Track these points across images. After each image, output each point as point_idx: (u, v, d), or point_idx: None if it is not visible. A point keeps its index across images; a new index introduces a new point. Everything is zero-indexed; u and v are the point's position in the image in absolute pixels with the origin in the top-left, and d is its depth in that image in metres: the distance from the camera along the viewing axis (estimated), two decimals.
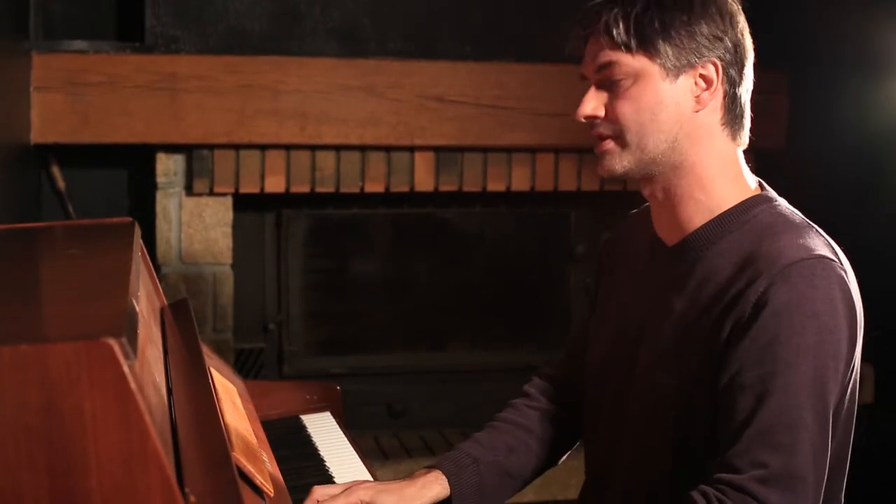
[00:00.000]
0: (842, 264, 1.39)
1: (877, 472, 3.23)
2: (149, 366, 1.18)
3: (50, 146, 3.17)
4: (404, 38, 3.39)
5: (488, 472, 1.63)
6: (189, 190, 3.25)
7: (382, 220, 3.65)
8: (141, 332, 1.14)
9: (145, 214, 3.25)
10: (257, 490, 1.35)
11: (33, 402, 0.91)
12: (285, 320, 3.53)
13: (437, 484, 1.58)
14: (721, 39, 1.42)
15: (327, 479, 1.67)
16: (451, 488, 1.59)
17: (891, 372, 3.33)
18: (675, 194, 1.47)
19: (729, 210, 1.45)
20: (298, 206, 3.49)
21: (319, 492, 1.51)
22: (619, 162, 1.45)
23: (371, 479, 1.64)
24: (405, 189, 3.40)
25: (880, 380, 3.38)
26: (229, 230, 3.30)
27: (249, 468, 1.33)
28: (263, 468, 1.42)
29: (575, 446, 1.76)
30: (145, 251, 1.67)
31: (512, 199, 3.61)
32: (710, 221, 1.46)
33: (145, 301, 1.41)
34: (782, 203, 1.48)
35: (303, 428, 1.90)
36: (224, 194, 3.28)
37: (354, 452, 1.80)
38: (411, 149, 3.37)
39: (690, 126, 1.43)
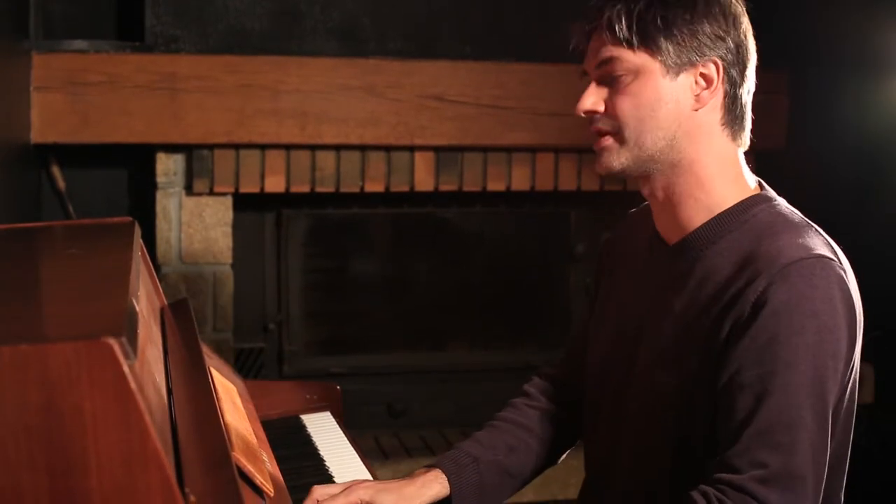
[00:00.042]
0: (841, 264, 1.40)
1: (877, 472, 3.23)
2: (149, 365, 1.18)
3: (50, 146, 3.17)
4: (404, 37, 3.39)
5: (488, 471, 1.63)
6: (189, 190, 3.25)
7: (382, 219, 3.65)
8: (141, 331, 1.14)
9: (145, 214, 3.25)
10: (257, 490, 1.35)
11: (33, 402, 0.91)
12: (285, 320, 3.53)
13: (436, 483, 1.58)
14: (723, 39, 1.43)
15: (327, 478, 1.67)
16: (450, 487, 1.59)
17: (891, 372, 3.33)
18: (674, 193, 1.47)
19: (728, 209, 1.45)
20: (298, 206, 3.49)
21: (319, 491, 1.52)
22: (617, 159, 1.45)
23: (371, 478, 1.64)
24: (405, 189, 3.40)
25: (880, 380, 3.38)
26: (229, 230, 3.30)
27: (249, 468, 1.33)
28: (263, 468, 1.42)
29: (574, 446, 1.76)
30: (145, 251, 1.67)
31: (512, 198, 3.61)
32: (709, 221, 1.46)
33: (145, 301, 1.41)
34: (782, 203, 1.48)
35: (303, 428, 1.90)
36: (224, 194, 3.28)
37: (354, 452, 1.80)
38: (411, 148, 3.37)
39: (689, 124, 1.44)
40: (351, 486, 1.53)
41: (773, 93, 3.48)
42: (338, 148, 3.32)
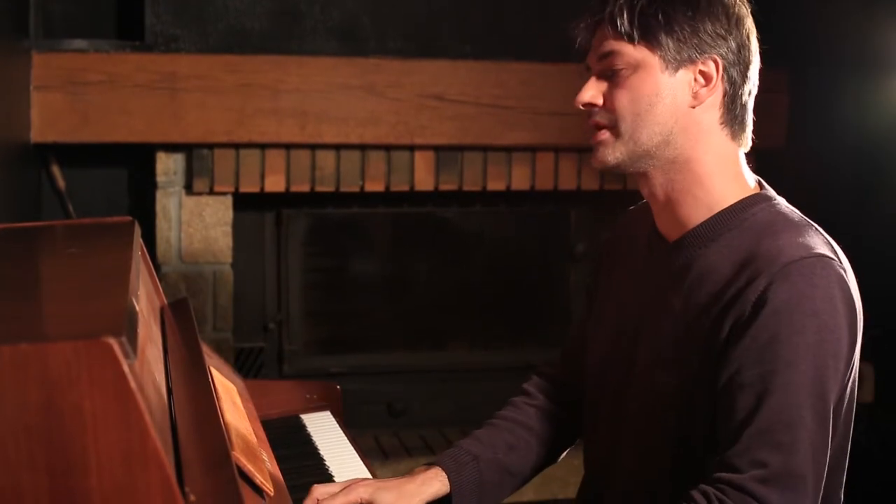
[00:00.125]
0: (841, 263, 1.40)
1: (876, 471, 3.23)
2: (149, 365, 1.18)
3: (50, 145, 3.17)
4: (404, 37, 3.39)
5: (488, 470, 1.63)
6: (189, 189, 3.25)
7: (382, 219, 3.65)
8: (141, 331, 1.14)
9: (145, 214, 3.25)
10: (257, 489, 1.35)
11: (33, 402, 0.91)
12: (285, 319, 3.53)
13: (436, 480, 1.58)
14: (724, 38, 1.43)
15: (327, 478, 1.67)
16: (450, 485, 1.59)
17: (890, 371, 3.33)
18: (673, 191, 1.47)
19: (728, 208, 1.45)
20: (298, 206, 3.49)
21: (319, 490, 1.52)
22: (612, 153, 1.46)
23: (371, 477, 1.64)
24: (405, 188, 3.40)
25: (880, 379, 3.38)
26: (229, 229, 3.30)
27: (249, 467, 1.33)
28: (263, 467, 1.42)
29: (574, 445, 1.76)
30: (145, 250, 1.67)
31: (512, 198, 3.61)
32: (708, 219, 1.46)
33: (145, 300, 1.41)
34: (781, 202, 1.48)
35: (303, 427, 1.90)
36: (224, 193, 3.28)
37: (354, 452, 1.80)
38: (411, 148, 3.37)
39: (686, 121, 1.44)
40: (351, 484, 1.53)
41: (773, 92, 3.47)
42: (338, 147, 3.32)
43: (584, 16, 1.48)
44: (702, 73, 1.43)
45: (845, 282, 1.37)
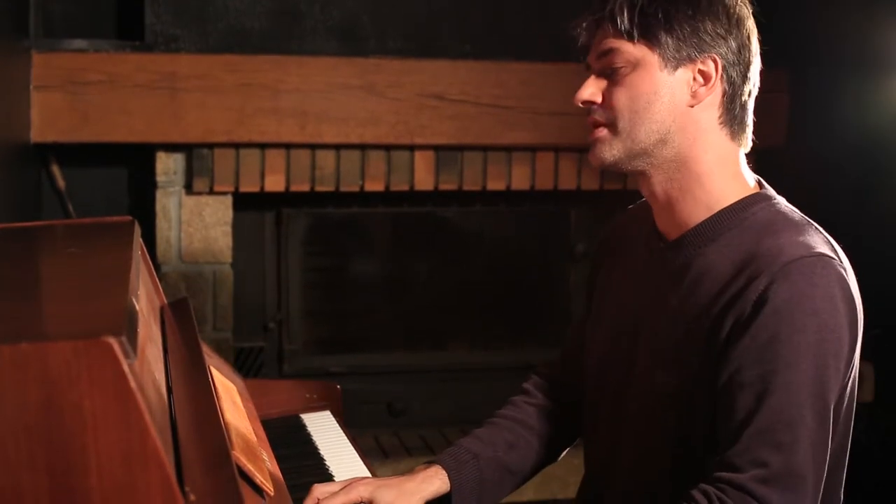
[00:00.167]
0: (841, 262, 1.40)
1: (876, 471, 3.23)
2: (149, 364, 1.18)
3: (50, 145, 3.17)
4: (404, 36, 3.39)
5: (488, 468, 1.63)
6: (189, 189, 3.25)
7: (382, 218, 3.65)
8: (141, 330, 1.14)
9: (145, 213, 3.25)
10: (257, 489, 1.35)
11: (33, 401, 0.91)
12: (285, 319, 3.53)
13: (436, 479, 1.58)
14: (724, 38, 1.43)
15: (327, 477, 1.67)
16: (451, 483, 1.59)
17: (890, 370, 3.33)
18: (672, 189, 1.47)
19: (728, 207, 1.45)
20: (298, 205, 3.49)
21: (319, 489, 1.52)
22: (609, 150, 1.46)
23: (371, 476, 1.64)
24: (405, 188, 3.40)
25: (880, 378, 3.38)
26: (229, 229, 3.30)
27: (249, 467, 1.33)
28: (263, 467, 1.42)
29: (574, 444, 1.76)
30: (145, 250, 1.67)
31: (512, 197, 3.61)
32: (708, 218, 1.46)
33: (145, 300, 1.41)
34: (781, 201, 1.48)
35: (303, 427, 1.90)
36: (224, 193, 3.28)
37: (354, 451, 1.80)
38: (411, 148, 3.37)
39: (684, 120, 1.44)
40: (351, 483, 1.53)
41: (773, 91, 3.46)
42: (338, 147, 3.32)
43: (585, 14, 1.48)
44: (701, 72, 1.43)
45: (846, 281, 1.37)
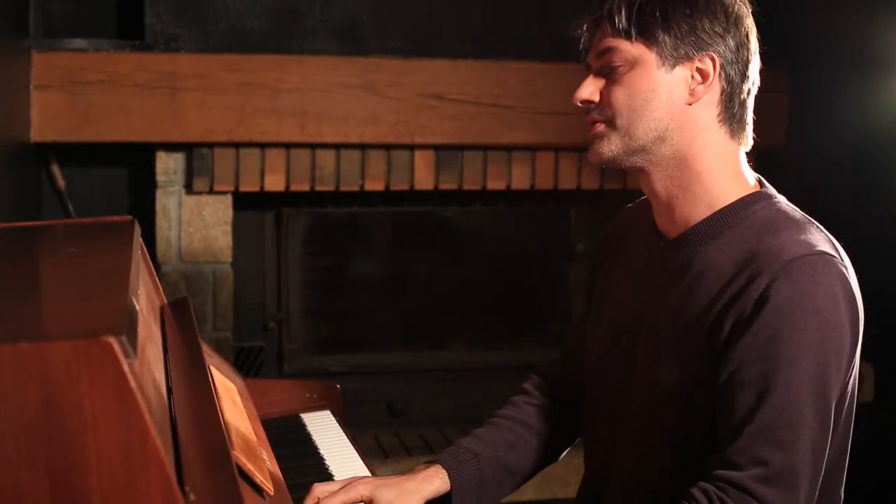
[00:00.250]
0: (843, 260, 1.40)
1: (877, 471, 3.23)
2: (149, 364, 1.18)
3: (50, 144, 3.17)
4: (404, 36, 3.39)
5: (488, 468, 1.63)
6: (189, 188, 3.25)
7: (382, 218, 3.65)
8: (141, 330, 1.14)
9: (145, 213, 3.25)
10: (257, 488, 1.35)
11: (33, 401, 0.91)
12: (285, 319, 3.53)
13: (437, 478, 1.58)
14: (722, 37, 1.43)
15: (327, 477, 1.67)
16: (451, 483, 1.59)
17: (891, 370, 3.33)
18: (673, 187, 1.47)
19: (728, 206, 1.45)
20: (298, 205, 3.49)
21: (320, 489, 1.52)
22: (608, 146, 1.46)
23: (371, 476, 1.64)
24: (405, 187, 3.40)
25: (880, 378, 3.38)
26: (229, 228, 3.30)
27: (249, 467, 1.33)
28: (263, 467, 1.42)
29: (575, 444, 1.76)
30: (145, 250, 1.67)
31: (512, 197, 3.61)
32: (709, 217, 1.46)
33: (145, 299, 1.41)
34: (782, 200, 1.48)
35: (303, 426, 1.90)
36: (224, 193, 3.28)
37: (354, 451, 1.80)
38: (411, 147, 3.37)
39: (683, 118, 1.44)
40: (351, 482, 1.53)
41: (773, 91, 3.47)
42: (338, 147, 3.32)
43: (584, 14, 1.48)
44: (699, 70, 1.43)
45: (847, 279, 1.37)
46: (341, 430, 1.89)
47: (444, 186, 3.42)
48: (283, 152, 3.29)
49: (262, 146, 3.27)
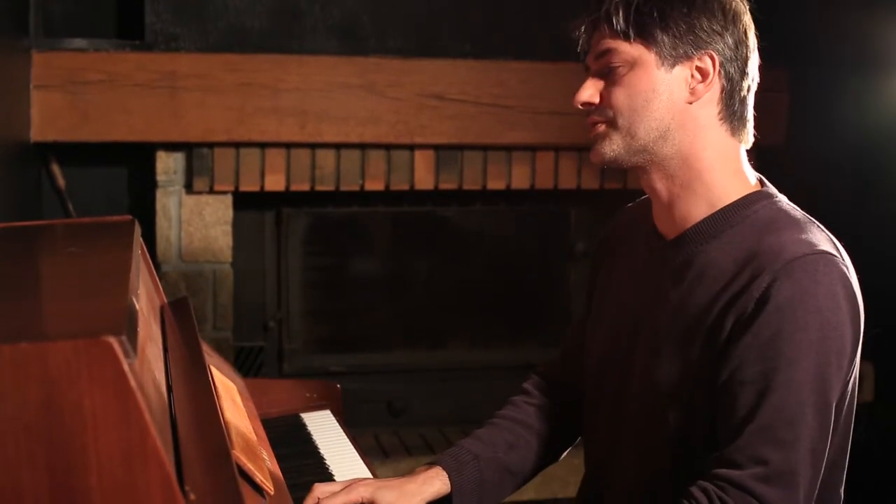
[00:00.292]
0: (843, 260, 1.40)
1: (877, 470, 3.23)
2: (149, 364, 1.18)
3: (50, 144, 3.17)
4: (404, 36, 3.39)
5: (488, 469, 1.63)
6: (189, 188, 3.25)
7: (382, 218, 3.65)
8: (141, 330, 1.14)
9: (145, 212, 3.25)
10: (257, 488, 1.35)
11: (33, 400, 0.91)
12: (285, 318, 3.53)
13: (437, 480, 1.58)
14: (721, 35, 1.43)
15: (327, 477, 1.67)
16: (451, 484, 1.59)
17: (891, 370, 3.33)
18: (674, 186, 1.47)
19: (729, 205, 1.45)
20: (298, 205, 3.49)
21: (320, 489, 1.52)
22: (609, 146, 1.46)
23: (371, 476, 1.64)
24: (405, 187, 3.40)
25: (880, 378, 3.38)
26: (229, 228, 3.30)
27: (249, 466, 1.33)
28: (263, 466, 1.42)
29: (575, 444, 1.76)
30: (145, 249, 1.67)
31: (512, 197, 3.61)
32: (710, 215, 1.46)
33: (145, 299, 1.41)
34: (783, 199, 1.48)
35: (303, 426, 1.90)
36: (224, 192, 3.28)
37: (354, 450, 1.80)
38: (411, 147, 3.37)
39: (683, 117, 1.44)
40: (352, 483, 1.53)
41: (774, 91, 3.47)
42: (338, 146, 3.32)
43: (583, 16, 1.48)
44: (698, 69, 1.43)
45: (848, 279, 1.37)
46: (341, 430, 1.89)
47: (444, 186, 3.42)
48: (283, 152, 3.29)
49: (262, 146, 3.27)
